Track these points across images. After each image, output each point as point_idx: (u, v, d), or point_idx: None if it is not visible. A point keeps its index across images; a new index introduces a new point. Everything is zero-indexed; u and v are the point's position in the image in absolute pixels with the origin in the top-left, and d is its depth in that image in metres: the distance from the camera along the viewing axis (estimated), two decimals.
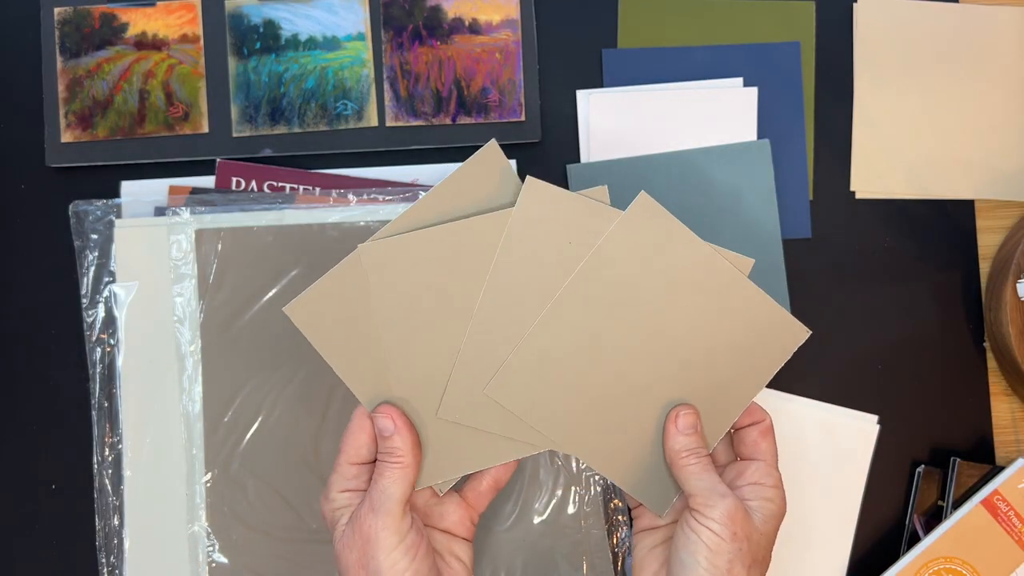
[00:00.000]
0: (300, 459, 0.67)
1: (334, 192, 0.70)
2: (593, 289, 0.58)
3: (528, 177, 0.58)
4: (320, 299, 0.58)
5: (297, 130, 0.71)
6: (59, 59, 0.71)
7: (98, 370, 0.68)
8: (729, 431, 0.60)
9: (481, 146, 0.59)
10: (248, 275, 0.68)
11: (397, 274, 0.57)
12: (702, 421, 0.58)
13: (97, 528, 0.67)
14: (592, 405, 0.58)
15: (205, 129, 0.71)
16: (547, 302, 0.58)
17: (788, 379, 0.70)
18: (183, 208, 0.68)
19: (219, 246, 0.68)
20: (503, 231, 0.58)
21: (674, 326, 0.58)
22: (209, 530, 0.66)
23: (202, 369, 0.67)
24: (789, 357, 0.60)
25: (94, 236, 0.68)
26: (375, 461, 0.57)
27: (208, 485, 0.67)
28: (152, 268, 0.68)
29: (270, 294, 0.68)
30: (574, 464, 0.68)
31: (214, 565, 0.66)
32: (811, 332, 0.60)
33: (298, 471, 0.67)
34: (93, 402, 0.68)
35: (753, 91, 0.73)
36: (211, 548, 0.66)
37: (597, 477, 0.68)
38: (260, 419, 0.67)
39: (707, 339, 0.58)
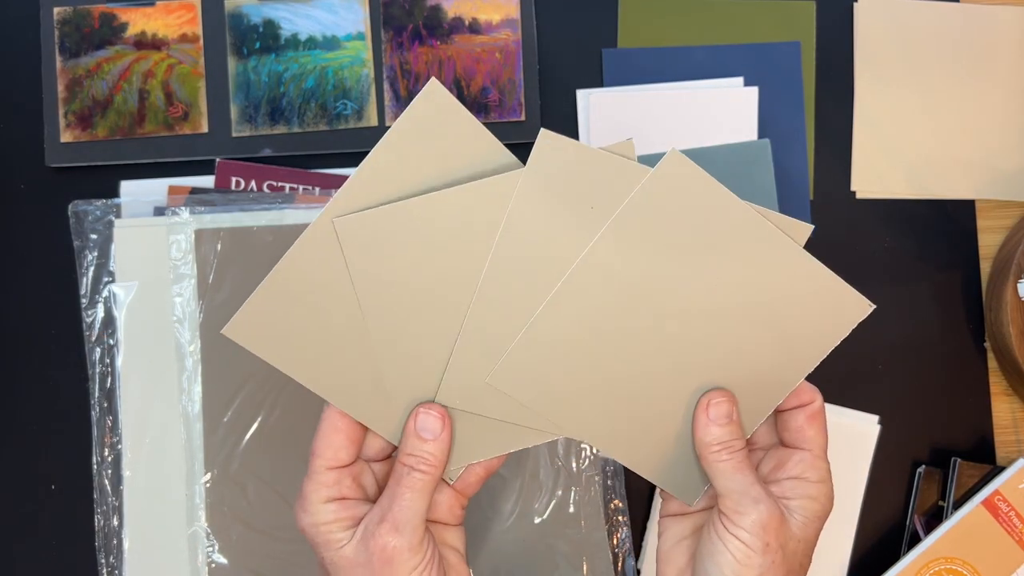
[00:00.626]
0: (300, 459, 0.67)
1: (334, 192, 0.70)
2: (615, 260, 0.50)
3: (542, 129, 0.50)
4: (261, 311, 0.52)
5: (297, 130, 0.71)
6: (59, 59, 0.71)
7: (97, 370, 0.68)
8: (771, 415, 0.53)
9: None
10: (248, 275, 0.68)
11: (380, 250, 0.50)
12: (739, 405, 0.50)
13: (96, 528, 0.67)
14: (612, 390, 0.51)
15: (205, 129, 0.71)
16: (561, 275, 0.50)
17: None
18: (182, 208, 0.68)
19: (219, 246, 0.68)
20: (507, 196, 0.50)
21: (709, 299, 0.51)
22: (209, 530, 0.66)
23: (201, 369, 0.67)
24: (847, 334, 0.53)
25: (93, 236, 0.68)
26: (352, 464, 0.51)
27: (208, 485, 0.67)
28: (152, 268, 0.68)
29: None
30: (574, 464, 0.68)
31: (214, 566, 0.66)
32: (875, 307, 0.52)
33: (298, 471, 0.67)
34: (92, 402, 0.67)
35: (753, 91, 0.73)
36: (211, 548, 0.66)
37: (597, 477, 0.68)
38: (260, 419, 0.67)
39: (749, 314, 0.51)
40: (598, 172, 0.50)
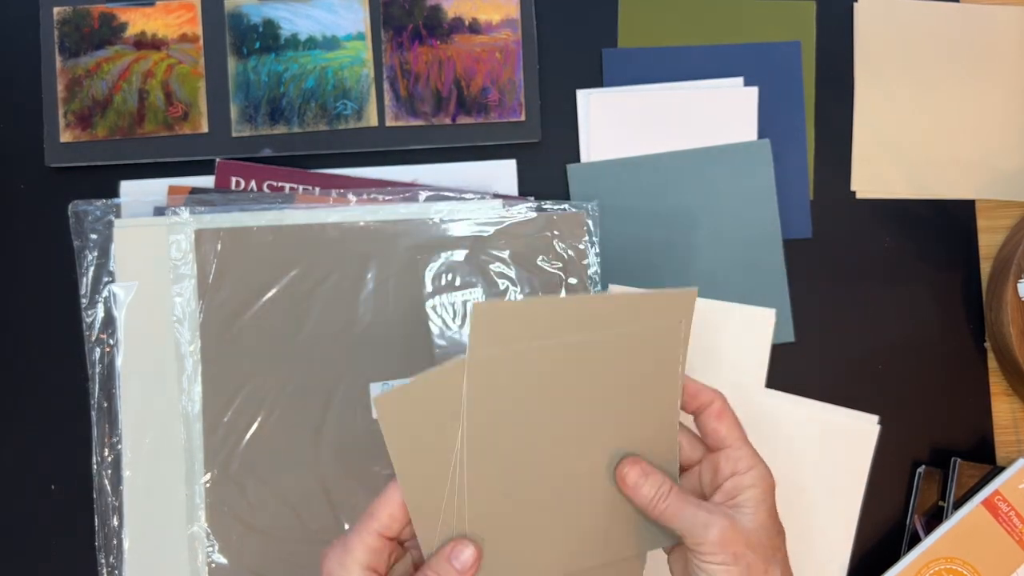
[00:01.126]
0: (300, 459, 0.67)
1: (334, 192, 0.70)
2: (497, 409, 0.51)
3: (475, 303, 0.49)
4: (411, 399, 0.50)
5: (297, 130, 0.71)
6: (58, 59, 0.71)
7: (97, 370, 0.68)
8: (690, 431, 0.57)
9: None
10: (248, 275, 0.68)
11: (417, 422, 0.50)
12: (648, 454, 0.54)
13: (96, 528, 0.67)
14: (557, 508, 0.53)
15: (205, 129, 0.71)
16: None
17: (788, 379, 0.70)
18: (182, 208, 0.68)
19: (218, 246, 0.68)
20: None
21: (580, 400, 0.53)
22: (209, 531, 0.66)
23: (201, 369, 0.67)
24: (689, 328, 0.53)
25: (93, 236, 0.68)
26: (398, 542, 0.51)
27: (207, 485, 0.67)
28: (152, 268, 0.68)
29: (270, 294, 0.68)
30: None
31: (214, 566, 0.66)
32: (698, 288, 0.53)
33: (298, 471, 0.67)
34: (92, 402, 0.67)
35: (753, 91, 0.73)
36: (211, 549, 0.66)
37: None
38: (259, 419, 0.67)
39: (610, 377, 0.53)
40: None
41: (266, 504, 0.67)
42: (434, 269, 0.69)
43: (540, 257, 0.69)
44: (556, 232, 0.69)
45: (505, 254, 0.69)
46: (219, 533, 0.66)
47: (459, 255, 0.69)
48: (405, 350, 0.68)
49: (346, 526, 0.67)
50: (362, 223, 0.68)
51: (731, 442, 0.54)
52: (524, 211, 0.69)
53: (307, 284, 0.68)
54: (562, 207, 0.70)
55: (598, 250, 0.70)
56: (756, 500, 0.52)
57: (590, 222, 0.70)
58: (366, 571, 0.49)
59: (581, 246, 0.70)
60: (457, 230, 0.69)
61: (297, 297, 0.68)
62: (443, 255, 0.69)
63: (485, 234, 0.69)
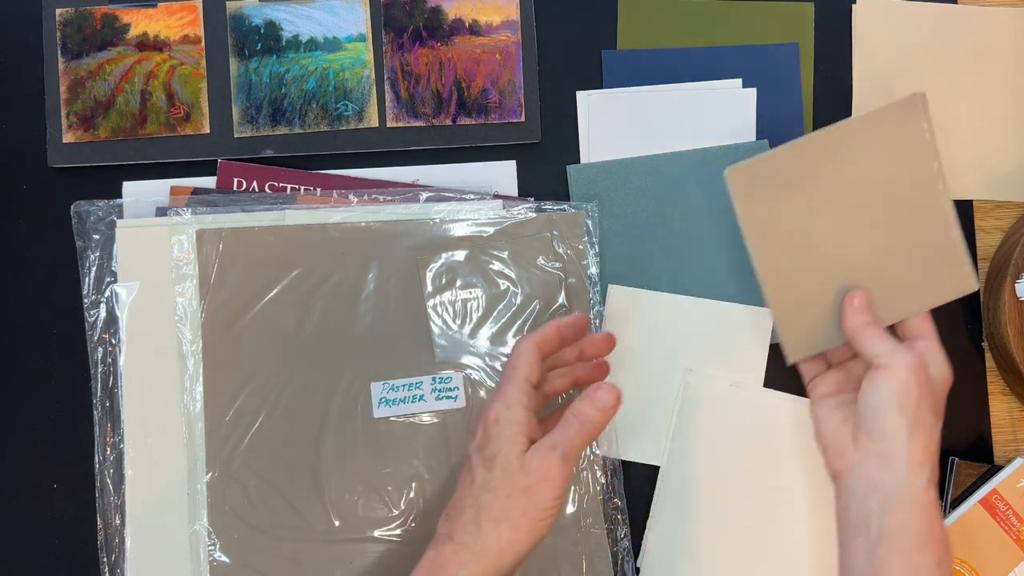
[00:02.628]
0: (301, 458, 0.67)
1: (335, 192, 0.70)
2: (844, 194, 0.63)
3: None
4: (762, 171, 0.62)
5: (298, 131, 0.72)
6: (61, 60, 0.71)
7: (100, 370, 0.68)
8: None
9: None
10: (249, 275, 0.68)
11: (768, 196, 0.63)
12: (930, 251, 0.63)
13: (98, 528, 0.67)
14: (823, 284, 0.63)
15: (206, 130, 0.72)
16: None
17: (787, 379, 0.70)
18: (185, 208, 0.69)
19: (220, 246, 0.68)
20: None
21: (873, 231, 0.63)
22: (210, 529, 0.66)
23: (203, 369, 0.67)
24: (932, 129, 0.62)
25: (96, 236, 0.68)
26: (538, 386, 0.58)
27: (209, 484, 0.67)
28: (154, 268, 0.68)
29: (271, 294, 0.68)
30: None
31: (215, 564, 0.66)
32: (923, 92, 0.61)
33: (299, 470, 0.67)
34: (95, 402, 0.68)
35: (752, 92, 0.73)
36: (212, 547, 0.66)
37: (599, 476, 0.68)
38: (261, 418, 0.67)
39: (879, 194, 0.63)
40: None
41: (268, 503, 0.67)
42: (434, 269, 0.69)
43: (540, 257, 0.69)
44: (555, 232, 0.70)
45: (505, 254, 0.69)
46: (221, 532, 0.66)
47: (459, 255, 0.69)
48: (406, 350, 0.69)
49: (336, 523, 0.67)
50: (363, 223, 0.69)
51: (931, 337, 0.62)
52: (524, 211, 0.70)
53: (308, 284, 0.68)
54: (561, 207, 0.71)
55: (597, 250, 0.70)
56: (943, 377, 0.60)
57: (589, 222, 0.70)
58: (526, 409, 0.56)
59: (580, 246, 0.70)
60: (458, 230, 0.69)
61: (298, 297, 0.68)
62: (444, 255, 0.69)
63: (485, 234, 0.69)
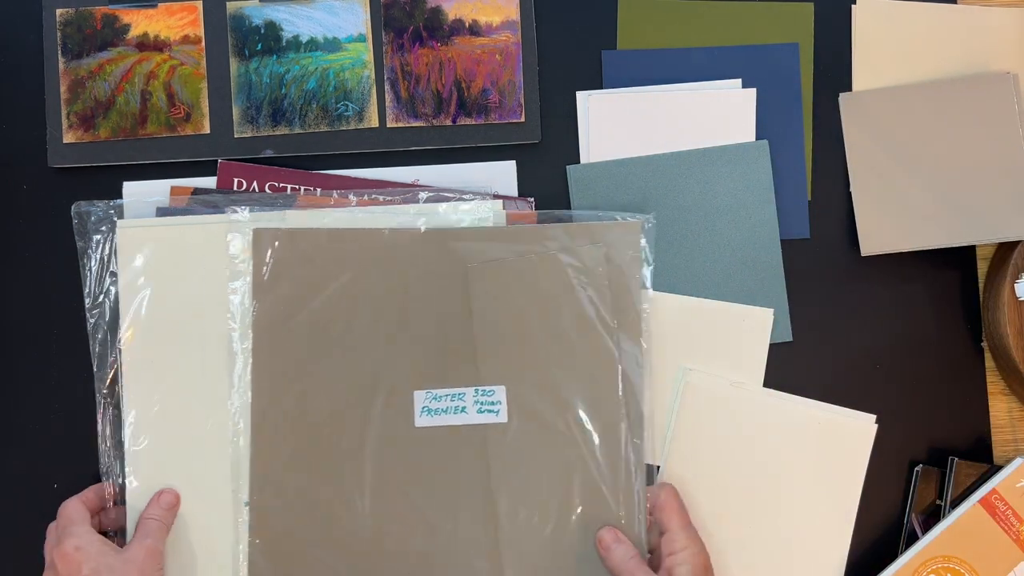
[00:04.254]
0: (343, 463, 0.67)
1: (335, 193, 0.70)
2: None
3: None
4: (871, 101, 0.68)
5: (298, 131, 0.72)
6: (61, 60, 0.71)
7: (101, 370, 0.68)
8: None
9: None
10: (302, 276, 0.67)
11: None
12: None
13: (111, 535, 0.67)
14: None
15: (207, 130, 0.72)
16: None
17: (786, 379, 0.71)
18: (243, 207, 0.68)
19: (276, 244, 0.67)
20: None
21: None
22: (252, 527, 0.66)
23: (252, 367, 0.67)
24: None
25: (96, 236, 0.68)
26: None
27: (252, 484, 0.66)
28: (155, 268, 0.68)
29: (323, 295, 0.67)
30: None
31: (255, 564, 0.66)
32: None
33: (341, 475, 0.67)
34: (96, 401, 0.68)
35: (752, 92, 0.73)
36: (253, 544, 0.66)
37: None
38: (305, 421, 0.67)
39: None
40: None
41: (310, 505, 0.66)
42: (484, 279, 0.68)
43: (589, 269, 0.68)
44: (605, 242, 0.69)
45: (557, 266, 0.68)
46: (259, 532, 0.66)
47: (510, 266, 0.68)
48: (451, 359, 0.68)
49: (374, 529, 0.66)
50: (423, 229, 0.68)
51: (669, 526, 0.64)
52: (577, 222, 0.69)
53: (358, 288, 0.67)
54: (612, 217, 0.69)
55: (651, 263, 0.70)
56: (690, 573, 0.63)
57: (644, 239, 0.70)
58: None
59: (632, 258, 0.69)
60: (510, 241, 0.68)
61: (348, 301, 0.67)
62: (494, 265, 0.68)
63: (541, 249, 0.68)
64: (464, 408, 0.67)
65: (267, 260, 0.68)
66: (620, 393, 0.67)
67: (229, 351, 0.67)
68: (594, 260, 0.68)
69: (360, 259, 0.68)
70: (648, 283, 0.70)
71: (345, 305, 0.68)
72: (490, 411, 0.67)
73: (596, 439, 0.67)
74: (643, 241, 0.69)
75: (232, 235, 0.68)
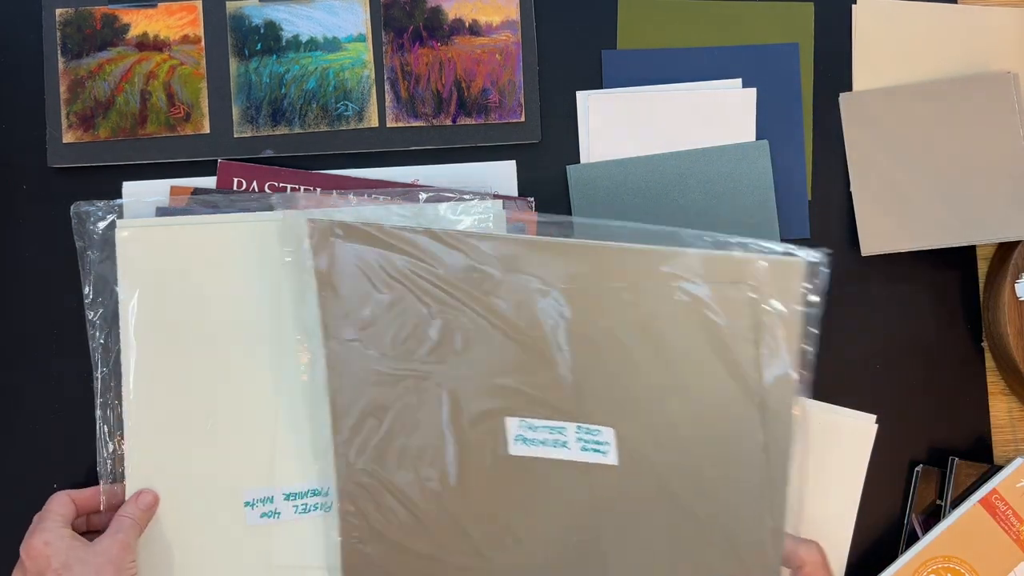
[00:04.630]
0: (422, 465, 0.64)
1: (335, 192, 0.70)
2: None
3: None
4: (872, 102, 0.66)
5: (298, 131, 0.72)
6: (60, 60, 0.71)
7: (101, 370, 0.68)
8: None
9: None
10: (362, 280, 0.63)
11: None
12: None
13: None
14: None
15: (206, 130, 0.72)
16: None
17: None
18: (303, 210, 0.65)
19: (333, 240, 0.63)
20: None
21: None
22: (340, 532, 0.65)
23: (327, 373, 0.64)
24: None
25: (96, 236, 0.68)
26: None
27: (339, 490, 0.65)
28: (154, 268, 0.68)
29: (379, 299, 0.64)
30: None
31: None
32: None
33: (417, 476, 0.64)
34: (96, 401, 0.68)
35: (752, 92, 0.73)
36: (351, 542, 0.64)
37: None
38: (385, 427, 0.64)
39: None
40: None
41: (397, 514, 0.64)
42: (573, 297, 0.62)
43: (728, 314, 0.61)
44: (755, 282, 0.60)
45: (681, 307, 0.61)
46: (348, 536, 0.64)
47: (604, 295, 0.62)
48: (539, 387, 0.63)
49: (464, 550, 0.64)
50: (524, 239, 0.63)
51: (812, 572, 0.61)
52: (727, 253, 0.61)
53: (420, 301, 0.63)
54: (773, 250, 0.60)
55: (820, 313, 0.61)
56: None
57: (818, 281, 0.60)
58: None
59: (793, 303, 0.59)
60: (619, 259, 0.61)
61: (415, 312, 0.63)
62: (582, 283, 0.62)
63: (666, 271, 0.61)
64: (565, 443, 0.62)
65: (328, 261, 0.63)
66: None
67: (288, 351, 0.66)
68: (736, 303, 0.59)
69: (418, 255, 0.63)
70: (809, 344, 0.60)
71: (410, 315, 0.63)
72: (596, 451, 0.62)
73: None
74: (803, 286, 0.58)
75: (289, 230, 0.64)
